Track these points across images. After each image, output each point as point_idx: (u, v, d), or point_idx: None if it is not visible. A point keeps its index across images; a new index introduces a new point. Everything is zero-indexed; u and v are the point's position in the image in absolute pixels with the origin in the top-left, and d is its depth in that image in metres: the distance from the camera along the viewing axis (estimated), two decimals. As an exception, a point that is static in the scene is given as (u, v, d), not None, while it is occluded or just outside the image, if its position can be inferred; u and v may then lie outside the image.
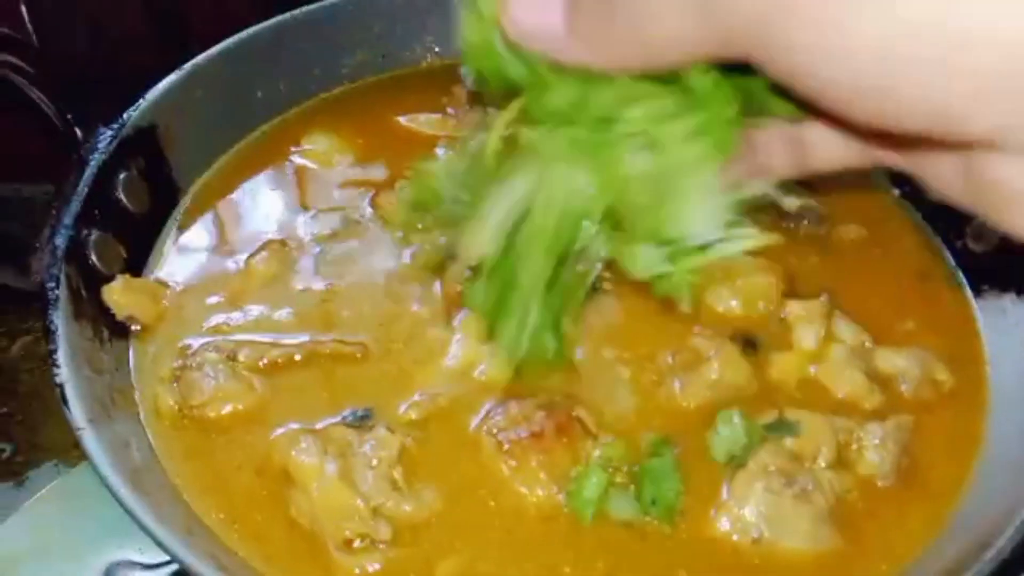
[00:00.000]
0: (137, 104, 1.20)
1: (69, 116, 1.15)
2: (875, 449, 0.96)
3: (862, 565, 0.90)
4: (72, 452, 1.23)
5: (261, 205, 1.25)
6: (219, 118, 1.31)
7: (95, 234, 1.08)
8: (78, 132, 1.14)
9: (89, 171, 1.10)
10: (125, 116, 1.18)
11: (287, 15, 1.38)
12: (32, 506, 1.12)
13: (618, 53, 0.55)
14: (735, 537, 0.91)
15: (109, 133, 1.14)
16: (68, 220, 1.05)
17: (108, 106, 1.19)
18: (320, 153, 1.33)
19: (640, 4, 0.51)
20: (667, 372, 1.04)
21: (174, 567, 0.98)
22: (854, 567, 0.90)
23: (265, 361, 1.05)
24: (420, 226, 1.23)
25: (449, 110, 1.44)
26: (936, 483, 0.98)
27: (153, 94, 1.22)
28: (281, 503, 0.93)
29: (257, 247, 1.17)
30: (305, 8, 1.41)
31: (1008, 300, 1.14)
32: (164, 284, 1.13)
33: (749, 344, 1.07)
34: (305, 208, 1.24)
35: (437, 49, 1.54)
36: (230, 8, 1.87)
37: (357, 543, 0.89)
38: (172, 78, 1.25)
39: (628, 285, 1.14)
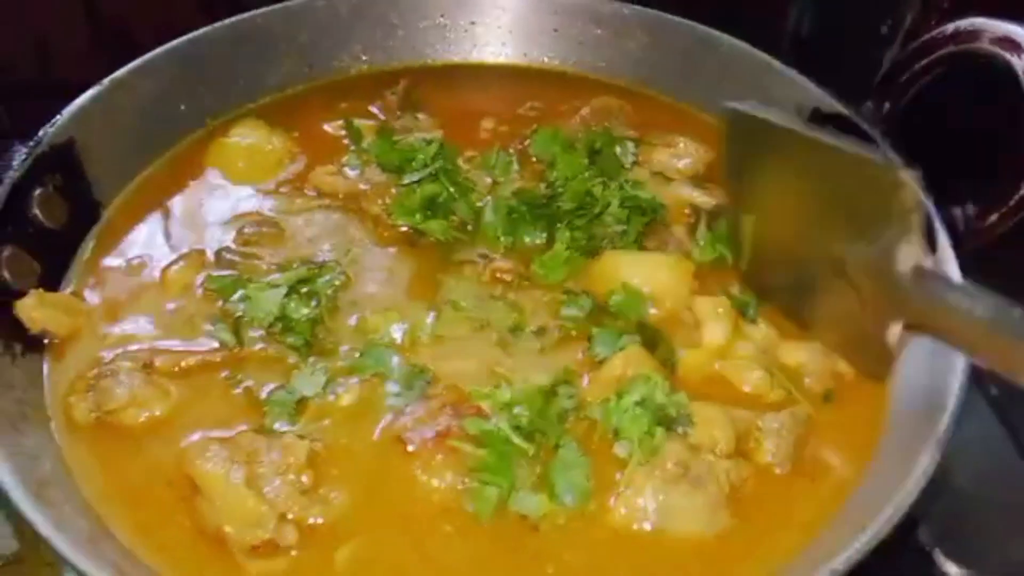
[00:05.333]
0: (54, 120, 1.21)
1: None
2: (770, 439, 0.99)
3: (755, 548, 0.93)
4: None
5: (182, 217, 1.26)
6: (141, 132, 1.32)
7: (8, 250, 1.09)
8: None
9: (2, 189, 1.11)
10: (41, 133, 1.18)
11: (209, 27, 1.40)
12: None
13: None
14: (633, 526, 0.93)
15: (24, 150, 1.15)
16: (-22, 238, 1.06)
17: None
18: (240, 162, 1.33)
19: None
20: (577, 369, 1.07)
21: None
22: (747, 551, 0.93)
23: (181, 367, 1.06)
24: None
25: (376, 112, 1.46)
26: (833, 470, 1.01)
27: (70, 109, 1.23)
28: (191, 512, 0.94)
29: (174, 257, 1.19)
30: (227, 20, 1.42)
31: (910, 290, 1.17)
32: (80, 297, 1.14)
33: (653, 340, 1.09)
34: (225, 218, 1.25)
35: (365, 58, 1.56)
36: (177, 22, 1.88)
37: (263, 548, 0.91)
38: (90, 93, 1.26)
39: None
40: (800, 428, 1.01)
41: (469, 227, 1.25)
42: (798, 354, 1.10)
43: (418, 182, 1.24)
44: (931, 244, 1.11)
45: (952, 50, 1.17)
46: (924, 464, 0.91)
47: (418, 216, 1.22)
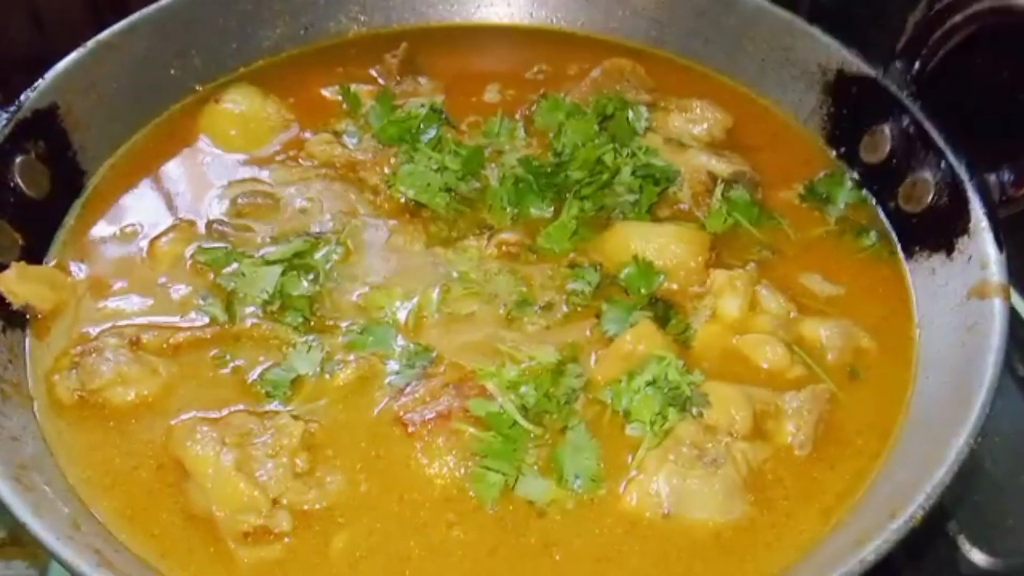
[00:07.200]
0: (35, 85, 1.15)
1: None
2: (791, 419, 0.94)
3: (774, 535, 0.88)
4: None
5: (170, 185, 1.20)
6: (129, 97, 1.26)
7: (-13, 221, 1.04)
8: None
9: (-20, 157, 1.05)
10: (22, 97, 1.13)
11: (199, -14, 1.33)
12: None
13: None
14: (646, 512, 0.88)
15: (3, 116, 1.09)
16: (-44, 209, 1.01)
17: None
18: (233, 129, 1.27)
19: None
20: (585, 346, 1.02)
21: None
22: (766, 538, 0.88)
23: (170, 343, 1.01)
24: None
25: (376, 75, 1.39)
26: (855, 452, 0.96)
27: (53, 73, 1.16)
28: (180, 497, 0.90)
29: (163, 228, 1.13)
30: (218, -20, 1.35)
31: (937, 261, 1.11)
32: (64, 271, 1.09)
33: (666, 315, 1.03)
34: (217, 188, 1.19)
35: (363, 18, 1.49)
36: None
37: (255, 535, 0.86)
38: (74, 56, 1.19)
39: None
40: (822, 407, 0.96)
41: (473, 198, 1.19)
42: (819, 330, 1.04)
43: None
44: (964, 212, 1.05)
45: (984, 7, 1.10)
46: (957, 448, 0.85)
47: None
